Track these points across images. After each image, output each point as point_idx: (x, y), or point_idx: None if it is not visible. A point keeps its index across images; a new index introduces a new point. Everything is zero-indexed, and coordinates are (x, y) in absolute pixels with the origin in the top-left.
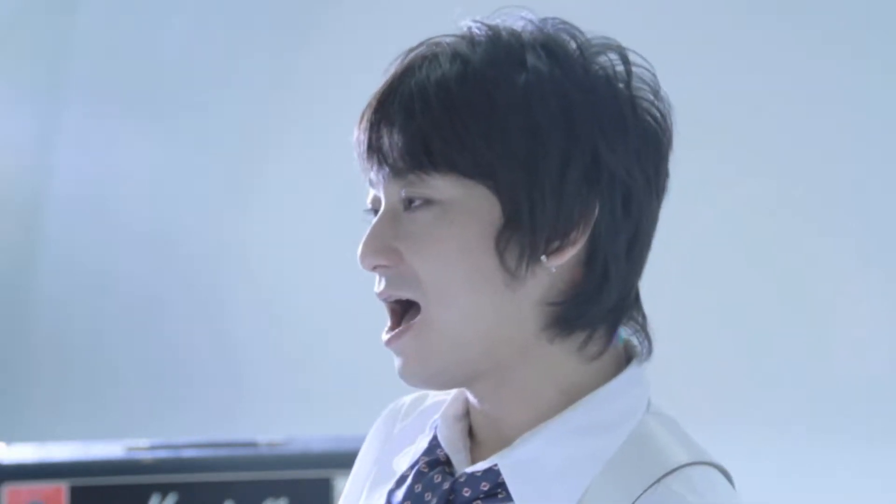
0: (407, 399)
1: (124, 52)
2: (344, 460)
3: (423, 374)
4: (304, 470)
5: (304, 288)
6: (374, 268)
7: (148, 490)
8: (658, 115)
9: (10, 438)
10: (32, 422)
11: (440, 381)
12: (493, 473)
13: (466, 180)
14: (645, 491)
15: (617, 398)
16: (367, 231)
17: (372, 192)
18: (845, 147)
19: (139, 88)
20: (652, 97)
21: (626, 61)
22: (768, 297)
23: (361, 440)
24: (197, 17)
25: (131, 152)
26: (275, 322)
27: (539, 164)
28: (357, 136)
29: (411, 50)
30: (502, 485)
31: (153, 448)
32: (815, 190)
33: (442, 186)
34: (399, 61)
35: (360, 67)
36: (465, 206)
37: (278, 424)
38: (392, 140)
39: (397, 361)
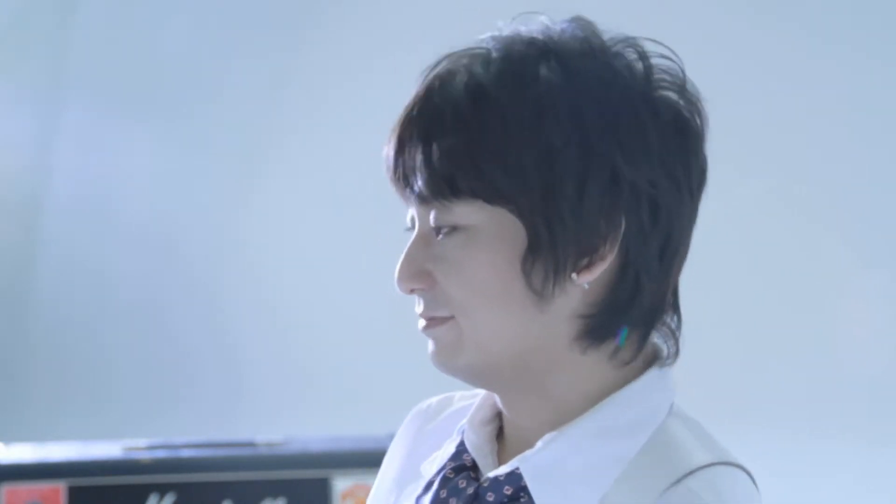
0: (433, 400)
1: (124, 52)
2: (342, 460)
3: (453, 364)
4: (303, 470)
5: (303, 288)
6: (411, 291)
7: (146, 490)
8: (685, 110)
9: (8, 438)
10: (31, 422)
11: (468, 376)
12: (515, 477)
13: (489, 206)
14: (664, 492)
15: (638, 400)
16: (402, 255)
17: (410, 211)
18: (845, 147)
19: (139, 88)
20: (676, 90)
21: (645, 57)
22: (768, 297)
23: (360, 440)
24: (197, 17)
25: (131, 152)
26: (273, 322)
27: (555, 186)
28: (385, 156)
29: (435, 64)
30: (525, 488)
31: (151, 448)
32: (816, 190)
33: (467, 213)
34: (423, 76)
35: (360, 68)
36: (490, 231)
37: (277, 424)
38: (416, 168)
39: (430, 346)
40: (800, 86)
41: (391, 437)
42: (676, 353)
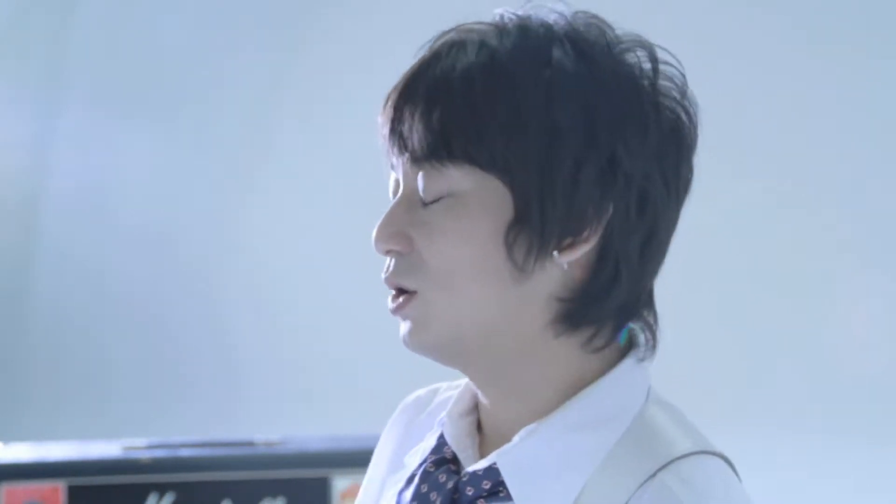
0: (421, 392)
1: (123, 52)
2: (341, 459)
3: (422, 341)
4: (302, 469)
5: (302, 288)
6: (387, 252)
7: (145, 489)
8: (683, 115)
9: (7, 438)
10: (30, 421)
11: (438, 352)
12: (494, 471)
13: (482, 172)
14: (640, 486)
15: (614, 391)
16: (383, 215)
17: (393, 176)
18: (845, 147)
19: (138, 89)
20: (678, 96)
21: (654, 59)
22: (768, 297)
23: (358, 439)
24: (196, 17)
25: (130, 152)
26: (272, 322)
27: (553, 166)
28: (381, 117)
29: (441, 35)
30: (503, 483)
31: (150, 447)
32: (815, 190)
33: (457, 177)
34: (428, 46)
35: (360, 68)
36: (477, 197)
37: (275, 424)
38: (413, 127)
39: (403, 328)
40: (799, 86)
41: None
42: (654, 346)
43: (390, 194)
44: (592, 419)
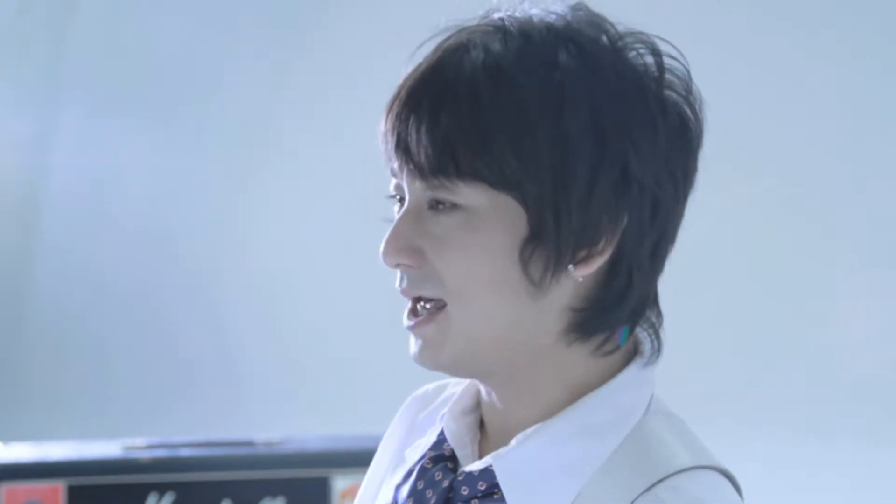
0: (430, 387)
1: (123, 52)
2: (341, 459)
3: (436, 361)
4: (302, 469)
5: (302, 287)
6: (397, 265)
7: (145, 489)
8: (688, 111)
9: (7, 438)
10: (30, 421)
11: (452, 370)
12: (490, 473)
13: (492, 190)
14: (635, 499)
15: (616, 398)
16: (391, 228)
17: (394, 181)
18: (845, 147)
19: (137, 88)
20: (683, 93)
21: (657, 54)
22: (768, 297)
23: (358, 439)
24: (195, 17)
25: (129, 152)
26: (272, 321)
27: (567, 178)
28: (383, 126)
29: (440, 35)
30: (499, 485)
31: (150, 447)
32: (815, 190)
33: (468, 194)
34: (427, 47)
35: (360, 68)
36: (490, 214)
37: (275, 423)
38: (419, 140)
39: (414, 345)
40: (799, 86)
41: None
42: (659, 349)
43: (392, 193)
44: (591, 427)
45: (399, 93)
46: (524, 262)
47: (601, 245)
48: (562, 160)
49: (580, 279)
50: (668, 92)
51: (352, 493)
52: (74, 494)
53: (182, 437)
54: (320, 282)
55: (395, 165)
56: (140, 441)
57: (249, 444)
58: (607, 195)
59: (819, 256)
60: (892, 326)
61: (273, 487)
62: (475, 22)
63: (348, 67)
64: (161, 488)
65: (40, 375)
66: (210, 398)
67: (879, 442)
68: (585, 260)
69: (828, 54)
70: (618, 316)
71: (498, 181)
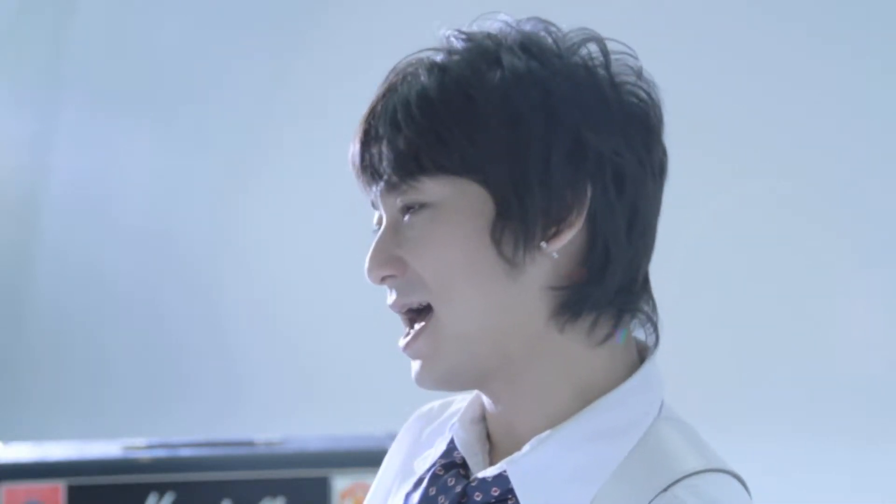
0: (436, 403)
1: (123, 51)
2: (341, 459)
3: (436, 375)
4: (302, 469)
5: (302, 287)
6: (382, 280)
7: (145, 489)
8: (643, 94)
9: (7, 437)
10: (30, 421)
11: (453, 382)
12: (503, 479)
13: (456, 178)
14: (653, 499)
15: (629, 402)
16: (371, 247)
17: (377, 214)
18: (845, 147)
19: (137, 88)
20: (634, 79)
21: (604, 50)
22: (767, 297)
23: (359, 439)
24: (195, 16)
25: (129, 151)
26: (272, 321)
27: (522, 154)
28: (350, 155)
29: (394, 69)
30: (512, 490)
31: (150, 447)
32: (815, 190)
33: (433, 188)
34: (383, 81)
35: (359, 68)
36: (457, 203)
37: (275, 423)
38: (382, 155)
39: (413, 366)
40: (799, 85)
41: (390, 436)
42: (657, 339)
43: (374, 227)
44: (605, 431)
45: (357, 130)
46: (496, 242)
47: (570, 218)
48: (515, 138)
49: (555, 255)
50: (615, 72)
51: (352, 493)
52: (74, 494)
53: (182, 437)
54: (320, 282)
55: (370, 192)
56: (140, 441)
57: (249, 444)
58: (564, 166)
59: (819, 256)
60: (891, 326)
61: (273, 487)
62: (422, 49)
63: (348, 67)
64: (161, 488)
65: (40, 375)
66: (210, 398)
67: (879, 441)
68: (556, 235)
69: (828, 54)
70: (602, 293)
71: (458, 168)
